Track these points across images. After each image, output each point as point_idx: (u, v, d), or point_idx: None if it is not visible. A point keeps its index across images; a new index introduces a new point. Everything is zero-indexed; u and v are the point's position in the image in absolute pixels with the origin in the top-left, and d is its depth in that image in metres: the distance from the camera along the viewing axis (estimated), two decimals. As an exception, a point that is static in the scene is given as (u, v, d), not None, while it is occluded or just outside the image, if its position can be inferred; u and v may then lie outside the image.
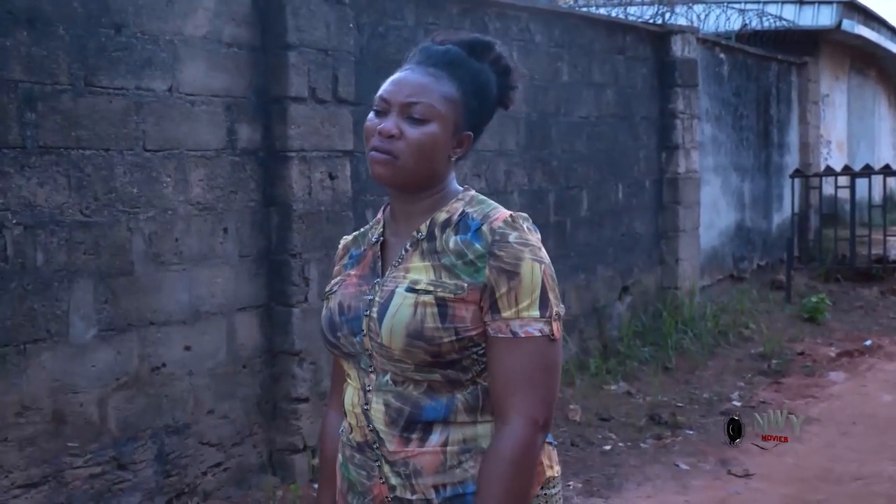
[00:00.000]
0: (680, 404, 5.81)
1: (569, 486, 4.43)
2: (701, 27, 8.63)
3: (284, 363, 4.12)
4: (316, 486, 4.02)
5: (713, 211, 8.41)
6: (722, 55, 8.69)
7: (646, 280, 7.33)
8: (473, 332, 1.51)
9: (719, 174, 8.63)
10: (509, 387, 1.49)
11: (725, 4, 10.01)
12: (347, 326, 1.59)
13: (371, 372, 1.57)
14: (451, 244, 1.54)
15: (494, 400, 1.52)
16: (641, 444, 5.09)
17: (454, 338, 1.49)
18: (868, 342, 7.47)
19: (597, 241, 6.67)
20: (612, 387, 6.04)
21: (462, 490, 1.51)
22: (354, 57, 4.38)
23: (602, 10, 8.26)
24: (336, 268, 1.72)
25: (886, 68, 14.31)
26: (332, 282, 1.69)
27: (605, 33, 6.75)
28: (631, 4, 7.99)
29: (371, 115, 1.58)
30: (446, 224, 1.57)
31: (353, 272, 1.65)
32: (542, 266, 1.52)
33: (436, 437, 1.52)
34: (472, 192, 1.63)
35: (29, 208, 3.24)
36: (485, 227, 1.53)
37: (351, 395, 1.61)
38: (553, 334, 1.51)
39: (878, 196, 10.48)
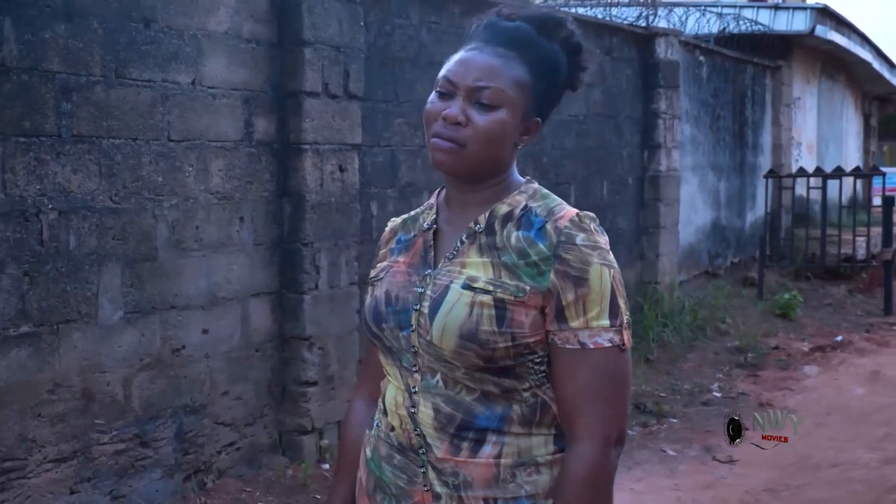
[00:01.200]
0: (663, 394, 6.05)
1: (562, 468, 4.64)
2: (682, 30, 8.88)
3: (295, 348, 4.27)
4: (324, 466, 4.21)
5: (691, 209, 8.68)
6: (701, 58, 8.96)
7: (627, 274, 7.54)
8: (531, 339, 1.41)
9: (697, 173, 8.90)
10: (579, 402, 1.40)
11: (703, 8, 10.30)
12: (394, 319, 1.48)
13: (415, 371, 1.47)
14: (513, 240, 1.44)
15: (562, 414, 1.43)
16: (629, 432, 5.30)
17: (510, 343, 1.40)
18: (839, 338, 7.79)
19: (583, 236, 6.88)
20: (598, 377, 6.26)
21: None
22: (364, 53, 4.55)
23: (584, 10, 8.47)
24: (382, 251, 1.61)
25: (855, 73, 14.72)
26: (379, 266, 1.58)
27: (594, 34, 6.96)
28: (615, 6, 8.20)
29: (433, 96, 1.47)
30: (507, 218, 1.46)
31: (401, 259, 1.54)
32: (612, 271, 1.42)
33: (489, 448, 1.42)
34: (535, 185, 1.53)
35: (63, 194, 3.37)
36: (549, 226, 1.43)
37: (393, 394, 1.51)
38: (623, 344, 1.41)
39: (845, 197, 10.84)
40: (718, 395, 6.17)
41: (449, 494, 1.44)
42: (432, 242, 1.51)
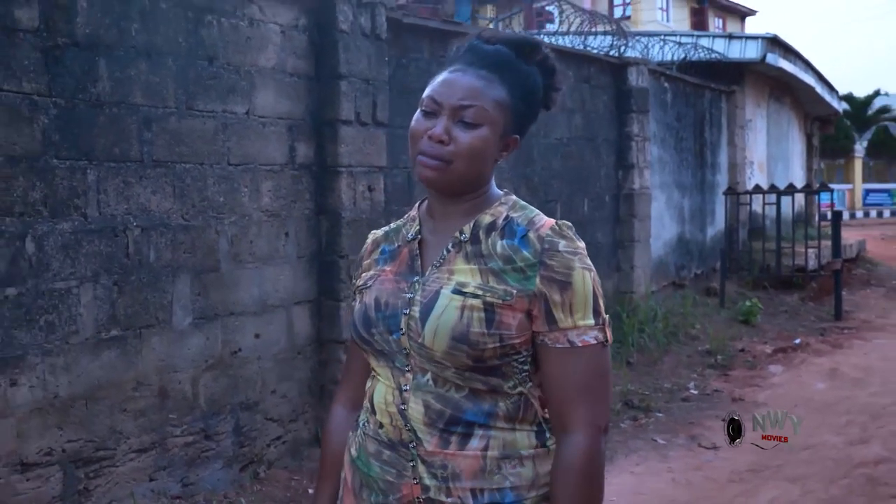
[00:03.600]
0: (646, 392, 6.60)
1: (568, 457, 5.16)
2: (648, 58, 9.53)
3: (331, 350, 4.73)
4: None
5: (659, 224, 9.30)
6: (666, 84, 9.62)
7: (606, 285, 8.13)
8: (517, 340, 1.49)
9: (664, 191, 9.53)
10: (569, 396, 1.49)
11: (663, 38, 11.01)
12: (384, 324, 1.55)
13: (407, 371, 1.53)
14: (499, 249, 1.52)
15: (553, 409, 1.51)
16: (621, 424, 5.85)
17: (498, 344, 1.48)
18: (798, 340, 8.46)
19: (567, 250, 7.43)
20: (585, 378, 6.79)
21: (500, 498, 1.49)
22: (387, 85, 5.04)
23: (561, 38, 9.08)
24: (366, 261, 1.68)
25: (799, 97, 15.61)
26: (365, 276, 1.65)
27: (575, 64, 7.56)
28: (590, 34, 8.80)
29: (418, 114, 1.54)
30: (491, 228, 1.55)
31: (388, 268, 1.61)
32: (591, 273, 1.52)
33: (476, 442, 1.50)
34: (513, 197, 1.61)
35: (145, 213, 3.80)
36: (531, 235, 1.51)
37: (383, 392, 1.57)
38: (607, 340, 1.51)
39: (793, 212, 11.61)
40: (695, 392, 6.74)
41: (437, 486, 1.50)
42: (418, 252, 1.59)
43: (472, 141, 1.50)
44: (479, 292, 1.48)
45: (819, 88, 15.15)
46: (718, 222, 11.15)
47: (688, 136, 10.30)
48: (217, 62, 4.13)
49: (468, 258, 1.53)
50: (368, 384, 1.63)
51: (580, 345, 1.49)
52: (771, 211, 10.50)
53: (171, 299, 3.92)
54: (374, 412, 1.58)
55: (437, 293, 1.50)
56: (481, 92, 1.51)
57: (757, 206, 11.06)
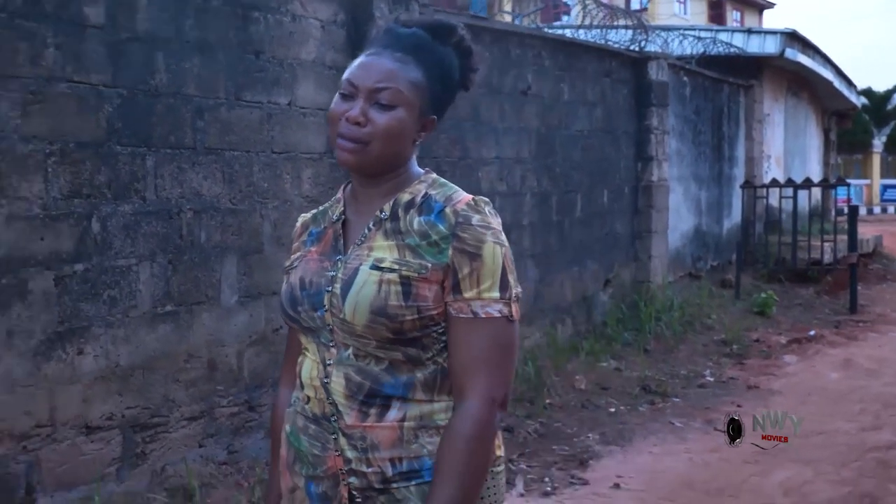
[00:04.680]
0: (663, 378, 6.82)
1: (588, 436, 5.40)
2: (668, 52, 9.72)
3: (365, 331, 4.96)
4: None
5: (676, 216, 9.50)
6: (685, 78, 9.80)
7: (623, 274, 8.37)
8: (434, 311, 1.52)
9: (682, 183, 9.73)
10: (468, 366, 1.51)
11: (681, 32, 11.18)
12: (308, 301, 1.58)
13: (332, 346, 1.57)
14: (416, 225, 1.55)
15: (453, 378, 1.53)
16: (639, 408, 6.08)
17: (416, 316, 1.51)
18: (812, 332, 8.65)
19: (587, 239, 7.67)
20: (604, 364, 7.03)
21: (418, 466, 1.53)
22: (420, 78, 5.26)
23: (583, 33, 9.27)
24: (295, 244, 1.73)
25: (817, 91, 15.74)
26: (293, 257, 1.69)
27: (597, 59, 7.76)
28: (611, 28, 8.98)
29: (336, 98, 1.57)
30: (410, 205, 1.58)
31: (313, 249, 1.65)
32: (503, 249, 1.54)
33: (393, 413, 1.53)
34: (434, 175, 1.64)
35: (197, 197, 4.05)
36: (448, 210, 1.54)
37: (309, 367, 1.61)
38: (512, 315, 1.53)
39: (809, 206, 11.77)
40: (711, 379, 6.96)
41: (358, 458, 1.54)
42: (341, 232, 1.62)
43: (389, 122, 1.53)
44: (396, 266, 1.52)
45: (837, 83, 15.27)
46: (735, 215, 11.33)
47: (706, 129, 10.48)
48: (263, 56, 4.37)
49: (387, 235, 1.56)
50: (299, 361, 1.66)
51: (483, 316, 1.51)
52: (787, 205, 10.69)
53: (220, 278, 4.18)
54: (302, 387, 1.62)
55: (357, 269, 1.54)
56: (396, 74, 1.53)
57: (773, 199, 11.24)
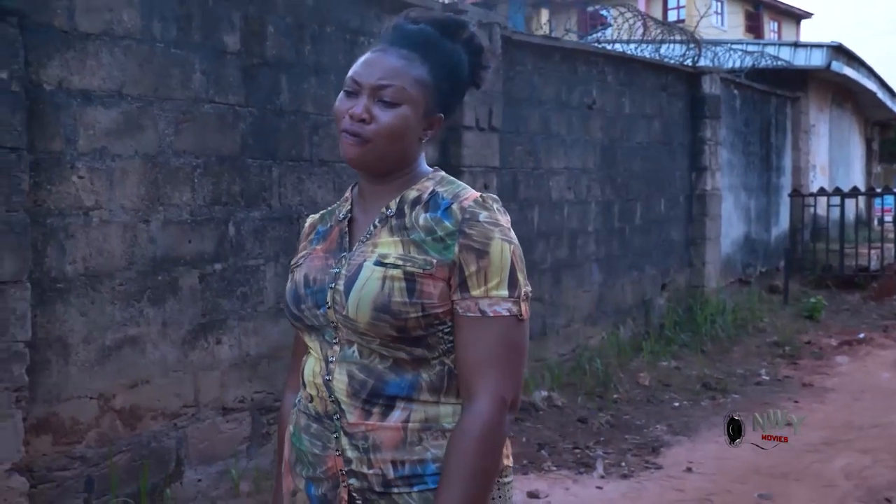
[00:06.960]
0: (720, 377, 7.17)
1: (656, 427, 5.77)
2: (719, 66, 10.08)
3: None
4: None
5: (727, 223, 9.84)
6: (735, 91, 10.15)
7: (679, 279, 8.73)
8: (440, 310, 1.48)
9: (732, 192, 10.07)
10: (477, 366, 1.46)
11: (730, 46, 11.54)
12: (312, 299, 1.55)
13: (335, 344, 1.53)
14: (421, 221, 1.51)
15: (461, 378, 1.48)
16: (701, 403, 6.45)
17: (420, 314, 1.46)
18: (862, 335, 8.95)
19: (646, 245, 8.05)
20: (664, 362, 7.40)
21: (421, 470, 1.48)
22: (501, 95, 5.71)
23: (633, 47, 9.65)
24: (303, 243, 1.70)
25: (860, 102, 15.98)
26: (298, 255, 1.67)
27: (654, 74, 8.16)
28: (664, 42, 9.36)
29: (342, 95, 1.55)
30: (416, 202, 1.54)
31: (319, 247, 1.63)
32: (512, 246, 1.49)
33: (397, 414, 1.48)
34: (442, 173, 1.61)
35: (313, 204, 4.51)
36: (455, 206, 1.50)
37: (312, 365, 1.57)
38: (521, 314, 1.48)
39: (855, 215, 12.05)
40: (767, 378, 7.30)
41: (359, 458, 1.49)
42: (347, 229, 1.60)
43: (392, 120, 1.50)
44: (400, 262, 1.48)
45: (881, 94, 15.50)
46: (782, 223, 11.64)
47: (755, 140, 10.82)
48: (367, 76, 4.82)
49: (392, 231, 1.53)
50: (303, 361, 1.62)
51: (491, 315, 1.46)
52: (833, 213, 10.97)
53: (331, 278, 4.62)
54: (304, 386, 1.59)
55: (361, 266, 1.50)
56: (400, 71, 1.51)
57: (820, 208, 11.53)
